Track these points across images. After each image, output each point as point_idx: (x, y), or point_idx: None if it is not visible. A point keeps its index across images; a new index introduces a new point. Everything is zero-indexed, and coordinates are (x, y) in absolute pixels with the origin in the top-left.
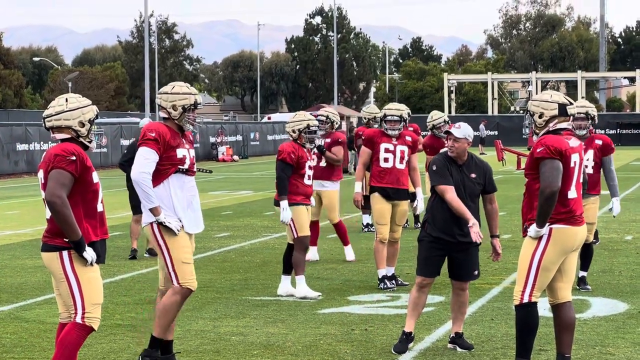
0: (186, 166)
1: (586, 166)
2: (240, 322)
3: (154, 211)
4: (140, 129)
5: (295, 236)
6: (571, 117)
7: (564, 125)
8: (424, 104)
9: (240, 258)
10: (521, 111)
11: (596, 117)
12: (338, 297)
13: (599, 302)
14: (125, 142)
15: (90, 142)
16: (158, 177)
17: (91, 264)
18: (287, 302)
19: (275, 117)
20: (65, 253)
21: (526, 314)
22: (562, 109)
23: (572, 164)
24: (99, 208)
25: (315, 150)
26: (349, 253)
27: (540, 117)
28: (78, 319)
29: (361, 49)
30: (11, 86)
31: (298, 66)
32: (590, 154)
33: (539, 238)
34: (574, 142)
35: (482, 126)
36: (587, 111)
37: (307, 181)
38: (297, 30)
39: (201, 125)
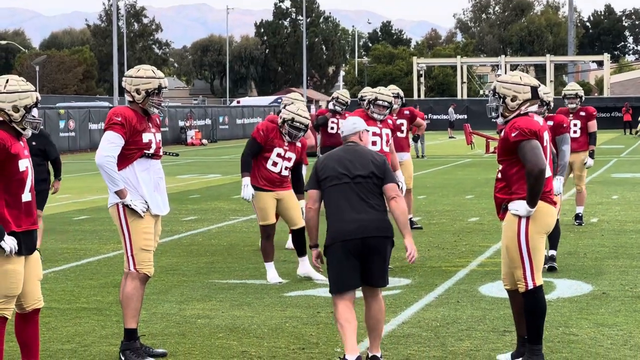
0: (152, 151)
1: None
2: (206, 305)
3: (119, 194)
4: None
5: (259, 222)
6: (538, 100)
7: (534, 108)
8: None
9: (207, 241)
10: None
11: (551, 103)
12: (305, 280)
13: (564, 284)
14: (94, 127)
15: (24, 129)
16: (124, 160)
17: (11, 254)
18: (253, 285)
19: (245, 101)
20: None
21: (535, 300)
22: (535, 92)
23: (544, 143)
24: (26, 198)
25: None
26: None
27: (513, 100)
28: None
29: (330, 33)
30: None
31: (267, 50)
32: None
33: (518, 220)
34: (540, 120)
35: (451, 110)
36: (542, 98)
37: (271, 167)
38: (267, 14)
39: (165, 109)
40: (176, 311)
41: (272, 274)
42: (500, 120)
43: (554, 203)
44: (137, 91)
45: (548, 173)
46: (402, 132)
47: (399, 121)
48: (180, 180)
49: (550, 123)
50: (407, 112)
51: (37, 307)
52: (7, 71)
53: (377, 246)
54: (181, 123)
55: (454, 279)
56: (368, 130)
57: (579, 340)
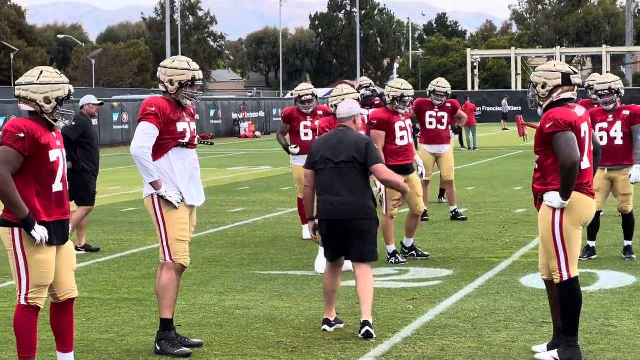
0: (186, 140)
1: (615, 137)
2: (246, 296)
3: (154, 185)
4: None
5: None
6: (576, 87)
7: (568, 95)
8: (447, 79)
9: (252, 233)
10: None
11: (622, 90)
12: (346, 271)
13: (607, 275)
14: None
15: (55, 120)
16: (159, 151)
17: (41, 244)
18: (295, 276)
19: None
20: (16, 230)
21: (570, 291)
22: (566, 78)
23: (582, 134)
24: (57, 188)
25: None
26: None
27: (543, 87)
28: (21, 300)
29: (385, 25)
30: (35, 64)
31: (322, 42)
32: (618, 125)
33: (553, 212)
34: (580, 111)
35: (504, 102)
36: (609, 86)
37: None
38: (322, 7)
39: (199, 100)
40: (215, 302)
41: (321, 262)
42: (539, 110)
43: (591, 195)
44: (171, 82)
45: (586, 165)
46: (442, 124)
47: (439, 114)
48: (230, 172)
49: (627, 112)
50: (448, 104)
51: (71, 297)
52: (64, 64)
53: (355, 227)
54: (234, 115)
55: (496, 270)
56: (362, 114)
57: (617, 331)
